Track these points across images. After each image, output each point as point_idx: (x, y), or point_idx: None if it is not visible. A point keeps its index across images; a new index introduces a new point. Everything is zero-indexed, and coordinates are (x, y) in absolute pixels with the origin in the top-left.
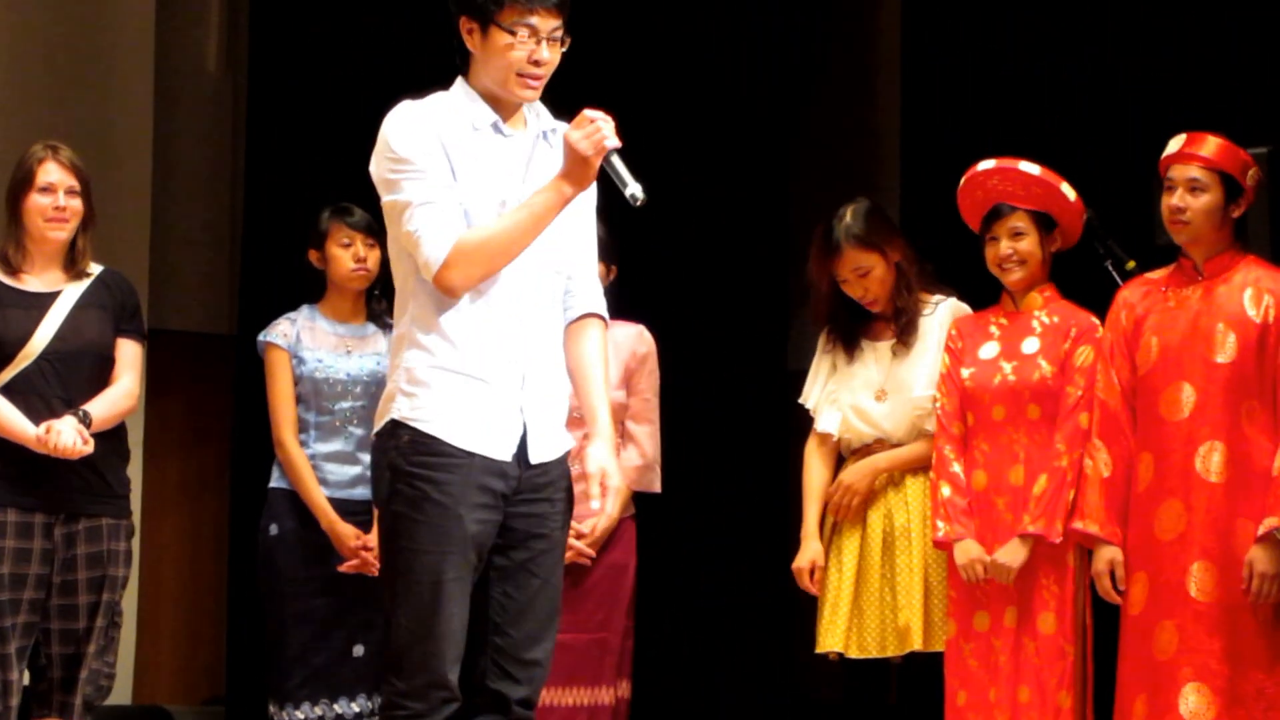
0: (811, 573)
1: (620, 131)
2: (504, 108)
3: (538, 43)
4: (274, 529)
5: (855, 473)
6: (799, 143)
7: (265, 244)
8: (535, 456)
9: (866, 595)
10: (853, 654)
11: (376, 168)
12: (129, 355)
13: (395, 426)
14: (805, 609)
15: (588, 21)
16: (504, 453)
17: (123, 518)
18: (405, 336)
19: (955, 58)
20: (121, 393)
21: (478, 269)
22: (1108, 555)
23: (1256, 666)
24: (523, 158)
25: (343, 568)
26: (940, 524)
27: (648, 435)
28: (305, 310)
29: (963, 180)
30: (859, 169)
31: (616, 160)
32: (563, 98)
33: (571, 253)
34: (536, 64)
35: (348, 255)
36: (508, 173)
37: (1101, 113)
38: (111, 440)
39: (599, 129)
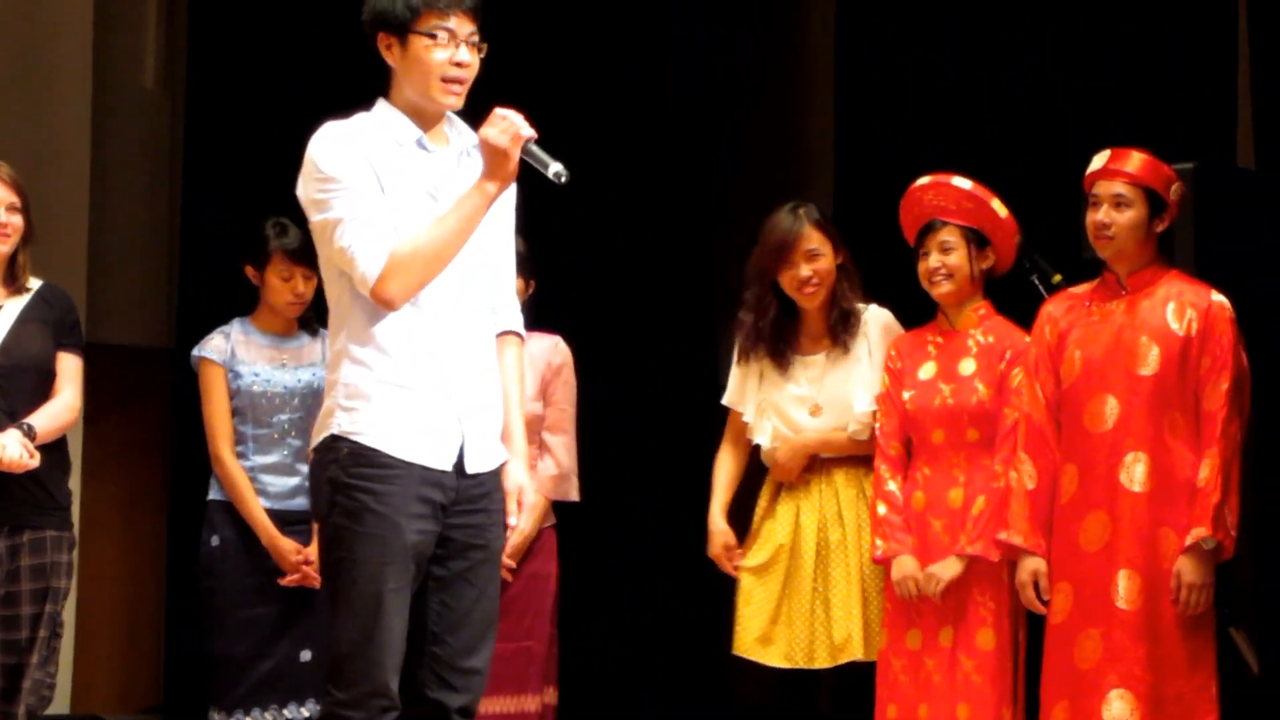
0: (732, 563)
1: (539, 131)
2: (427, 123)
3: (457, 46)
4: (214, 540)
5: (787, 454)
6: (731, 154)
7: (203, 258)
8: (472, 466)
9: (796, 605)
10: (776, 663)
11: (304, 189)
12: (70, 368)
13: (334, 440)
14: (731, 616)
15: (512, 33)
16: (443, 462)
17: (65, 530)
18: (342, 352)
19: (890, 69)
20: (64, 405)
21: (415, 278)
22: (1031, 566)
23: (1177, 673)
24: (447, 173)
25: (284, 581)
26: (879, 541)
27: (564, 445)
28: (237, 324)
29: (903, 198)
30: (792, 180)
31: (534, 147)
32: (488, 111)
33: (494, 262)
34: (459, 65)
35: (286, 289)
36: (433, 188)
37: (1034, 127)
38: (54, 453)
39: (511, 121)
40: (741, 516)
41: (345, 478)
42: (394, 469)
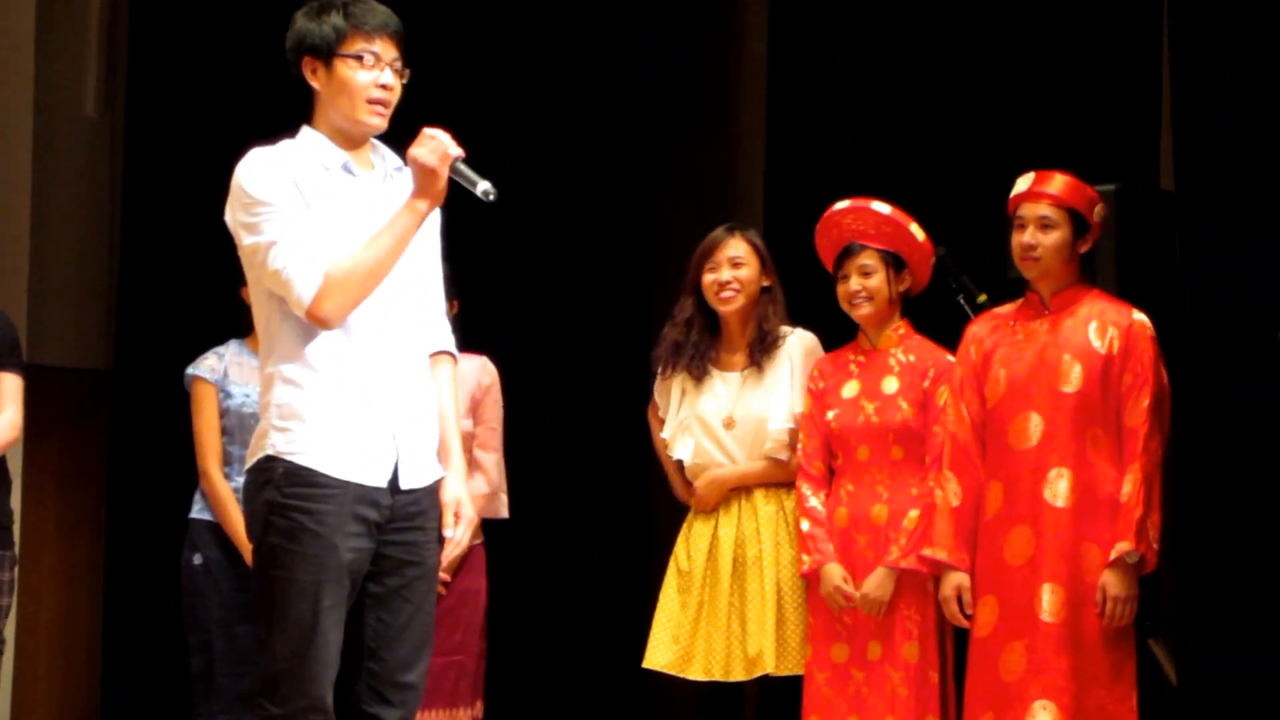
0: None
1: (478, 160)
2: (351, 147)
3: (381, 69)
4: (197, 559)
5: (706, 487)
6: (662, 176)
7: (142, 283)
8: (407, 482)
9: (714, 620)
10: (695, 676)
11: (232, 215)
12: (11, 388)
13: (269, 461)
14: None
15: (448, 53)
16: (378, 479)
17: (7, 549)
18: (274, 374)
19: (820, 96)
20: (6, 424)
21: (350, 296)
22: (955, 581)
23: (1099, 684)
24: (373, 196)
25: None
26: (804, 556)
27: (494, 463)
28: (233, 345)
29: (820, 221)
30: (722, 203)
31: (462, 165)
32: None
33: (422, 280)
34: (383, 88)
35: None
36: (360, 211)
37: (959, 150)
38: None
39: (440, 140)
40: (667, 522)
41: (281, 498)
42: (330, 488)
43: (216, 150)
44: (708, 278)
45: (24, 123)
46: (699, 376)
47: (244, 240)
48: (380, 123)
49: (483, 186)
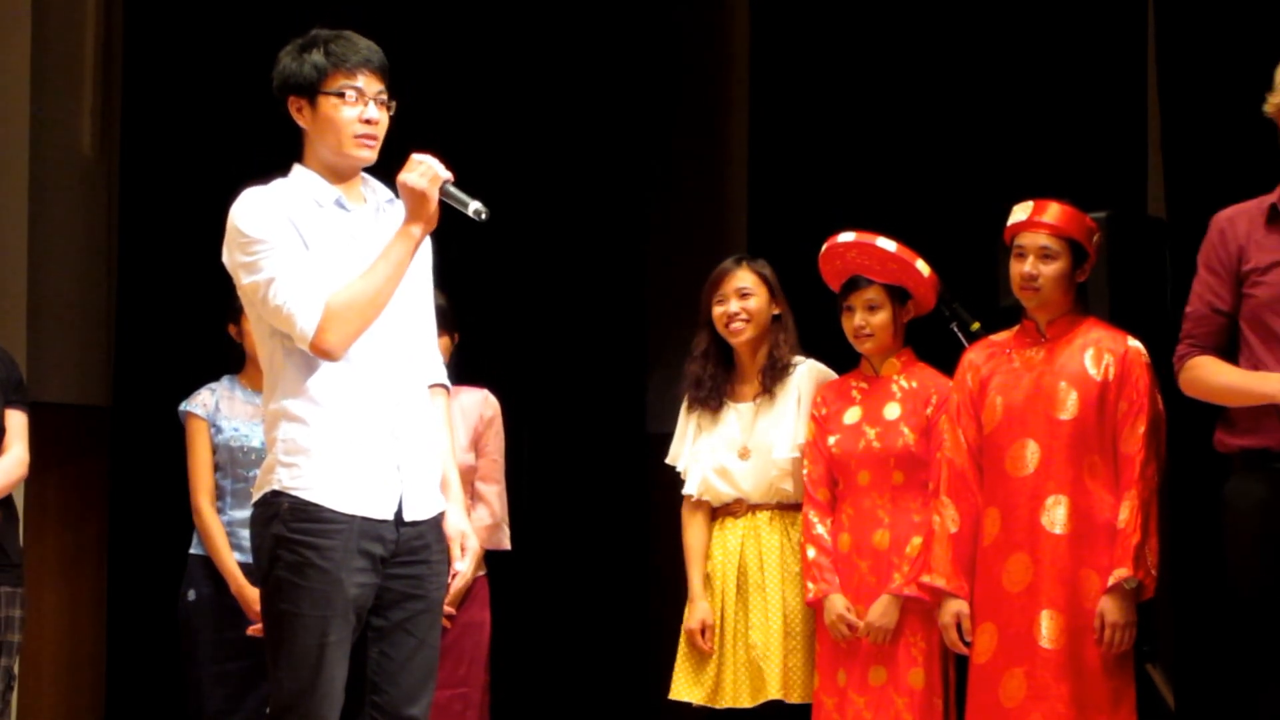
0: (703, 632)
1: (459, 172)
2: (343, 182)
3: (365, 103)
4: (191, 594)
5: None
6: (654, 206)
7: (139, 319)
8: (411, 514)
9: (724, 645)
10: (701, 702)
11: (229, 255)
12: (17, 425)
13: (276, 495)
14: (662, 659)
15: (440, 81)
16: (383, 512)
17: (18, 586)
18: (279, 411)
19: (803, 127)
20: (14, 462)
21: (352, 326)
22: (954, 608)
23: (1100, 710)
24: (367, 229)
25: (251, 631)
26: (809, 585)
27: (496, 495)
28: (225, 381)
29: (823, 248)
30: (713, 232)
31: (452, 188)
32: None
33: (415, 315)
34: (368, 122)
35: None
36: (356, 245)
37: (950, 177)
38: (6, 510)
39: (429, 164)
40: (667, 552)
41: (287, 532)
42: (335, 523)
43: (211, 189)
44: (717, 310)
45: (20, 162)
46: (715, 409)
47: (243, 280)
48: (369, 155)
49: (474, 206)
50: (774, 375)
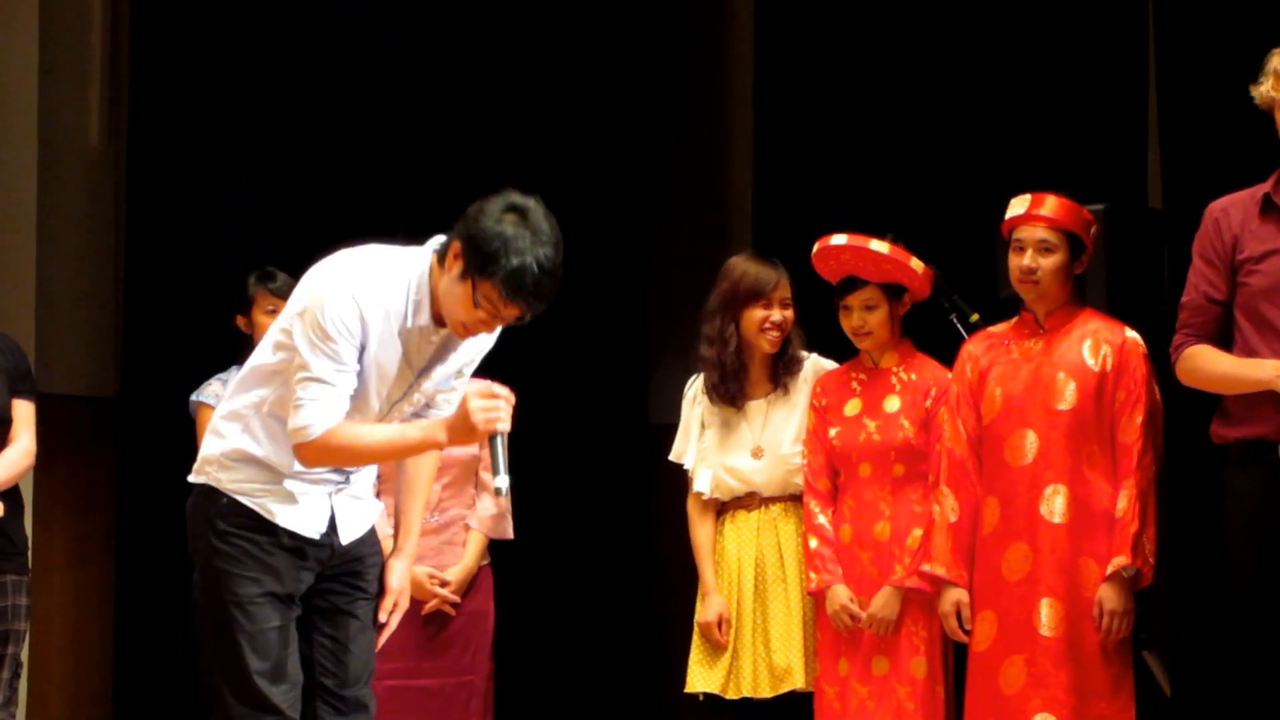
0: (719, 625)
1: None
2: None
3: (492, 325)
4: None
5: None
6: (656, 201)
7: (147, 311)
8: (346, 537)
9: (741, 637)
10: (727, 694)
11: (301, 318)
12: (24, 415)
13: (213, 492)
14: (665, 649)
15: (442, 74)
16: (312, 531)
17: (24, 574)
18: (245, 410)
19: (806, 117)
20: (21, 451)
21: (332, 460)
22: (954, 596)
23: (1100, 696)
24: (427, 346)
25: None
26: (811, 574)
27: None
28: (234, 371)
29: (815, 248)
30: (715, 227)
31: (500, 444)
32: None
33: (440, 393)
34: (482, 324)
35: (271, 322)
36: (412, 357)
37: (949, 169)
38: (11, 499)
39: (499, 410)
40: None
41: (225, 525)
42: (269, 524)
43: (218, 178)
44: (758, 313)
45: (28, 154)
46: (730, 405)
47: (295, 340)
48: (463, 335)
49: (501, 479)
50: (789, 371)
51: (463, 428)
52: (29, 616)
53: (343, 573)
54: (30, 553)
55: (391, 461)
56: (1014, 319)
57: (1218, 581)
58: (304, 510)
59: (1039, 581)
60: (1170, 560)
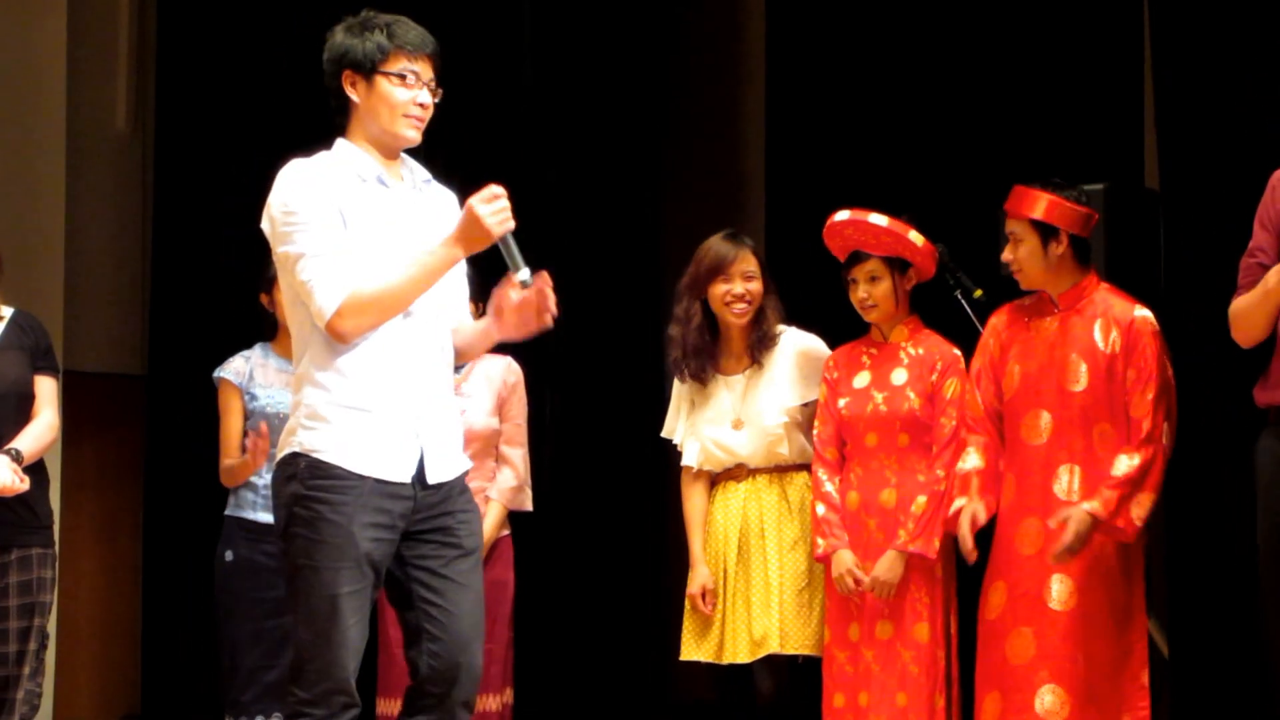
0: (703, 596)
1: (486, 163)
2: (385, 159)
3: (420, 87)
4: (229, 555)
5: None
6: (668, 177)
7: (174, 290)
8: (433, 477)
9: (727, 604)
10: (705, 658)
11: (269, 223)
12: (47, 390)
13: (294, 457)
14: (679, 619)
15: (448, 61)
16: (401, 475)
17: (49, 547)
18: (304, 376)
19: (817, 100)
20: (44, 426)
21: (368, 319)
22: (970, 508)
23: (1111, 664)
24: (405, 207)
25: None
26: (819, 540)
27: (520, 458)
28: (259, 349)
29: (824, 228)
30: (727, 205)
31: (511, 241)
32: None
33: (451, 293)
34: (420, 105)
35: None
36: (391, 221)
37: (954, 151)
38: (36, 474)
39: (505, 208)
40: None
41: (304, 490)
42: (348, 480)
43: (244, 161)
44: (720, 288)
45: (57, 138)
46: (704, 380)
47: (277, 248)
48: (416, 136)
49: (521, 274)
50: (764, 347)
51: (475, 233)
52: (54, 589)
53: (433, 516)
54: (58, 527)
55: (424, 291)
56: (1035, 295)
57: (1218, 548)
58: (387, 455)
59: (1050, 557)
60: (1169, 528)
